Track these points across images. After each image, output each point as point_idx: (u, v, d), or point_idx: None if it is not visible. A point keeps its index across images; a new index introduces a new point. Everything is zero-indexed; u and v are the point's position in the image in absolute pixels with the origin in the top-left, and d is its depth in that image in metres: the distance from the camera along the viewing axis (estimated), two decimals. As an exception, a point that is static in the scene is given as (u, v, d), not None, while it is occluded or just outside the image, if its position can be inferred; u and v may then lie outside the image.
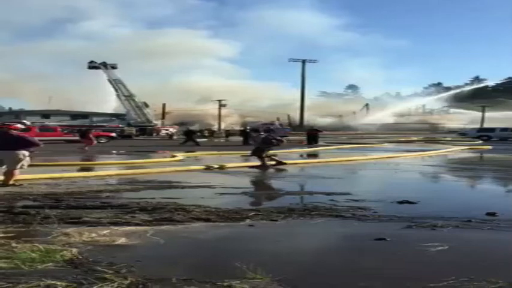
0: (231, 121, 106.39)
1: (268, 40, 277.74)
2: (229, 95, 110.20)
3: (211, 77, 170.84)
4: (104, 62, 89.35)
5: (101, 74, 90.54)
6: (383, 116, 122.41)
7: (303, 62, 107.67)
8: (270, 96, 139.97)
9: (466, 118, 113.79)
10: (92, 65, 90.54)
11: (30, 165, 13.44)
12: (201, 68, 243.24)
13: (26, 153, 12.97)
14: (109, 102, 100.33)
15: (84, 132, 34.52)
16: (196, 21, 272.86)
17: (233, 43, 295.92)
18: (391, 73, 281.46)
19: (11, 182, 12.50)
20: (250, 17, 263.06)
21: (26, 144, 13.21)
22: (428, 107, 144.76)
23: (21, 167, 12.85)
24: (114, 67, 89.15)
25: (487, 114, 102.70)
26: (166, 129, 75.83)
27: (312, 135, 43.14)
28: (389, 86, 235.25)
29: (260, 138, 20.20)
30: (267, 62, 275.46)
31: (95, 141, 33.55)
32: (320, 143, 41.68)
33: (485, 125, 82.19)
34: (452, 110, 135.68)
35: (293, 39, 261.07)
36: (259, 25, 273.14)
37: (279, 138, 21.96)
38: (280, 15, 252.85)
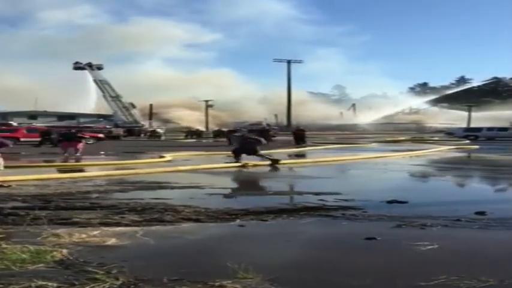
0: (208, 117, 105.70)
1: (240, 31, 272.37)
2: (205, 88, 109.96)
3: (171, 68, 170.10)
4: (90, 63, 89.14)
5: (75, 73, 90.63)
6: (371, 117, 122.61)
7: (288, 62, 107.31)
8: (249, 92, 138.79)
9: (452, 118, 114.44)
10: (77, 66, 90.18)
11: (18, 167, 13.37)
12: (167, 57, 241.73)
13: None
14: (90, 102, 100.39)
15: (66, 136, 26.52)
16: (170, 10, 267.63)
17: (208, 35, 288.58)
18: (375, 73, 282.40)
19: (-3, 184, 12.40)
20: (219, 7, 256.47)
21: None
22: (415, 106, 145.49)
23: None
24: (99, 68, 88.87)
25: (473, 113, 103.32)
26: (157, 131, 75.62)
27: (300, 135, 43.16)
28: (375, 85, 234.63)
29: (239, 138, 21.57)
30: (242, 56, 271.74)
31: (81, 145, 25.10)
32: (308, 143, 41.73)
33: (472, 125, 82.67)
34: (438, 110, 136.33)
35: (265, 32, 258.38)
36: (231, 14, 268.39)
37: (257, 137, 22.72)
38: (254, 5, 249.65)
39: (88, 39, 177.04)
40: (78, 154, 24.17)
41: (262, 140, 22.03)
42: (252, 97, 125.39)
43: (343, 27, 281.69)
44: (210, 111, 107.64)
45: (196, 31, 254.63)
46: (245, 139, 21.33)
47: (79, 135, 25.89)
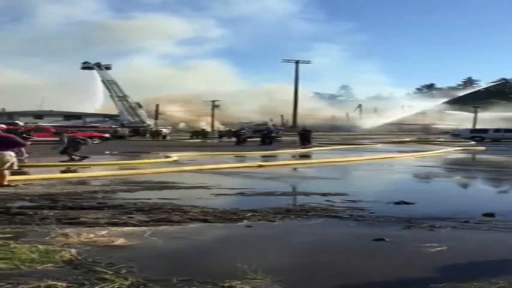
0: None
1: (241, 28, 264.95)
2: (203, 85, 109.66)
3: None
4: (98, 63, 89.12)
5: (82, 73, 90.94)
6: (378, 119, 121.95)
7: (296, 62, 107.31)
8: (249, 89, 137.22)
9: (458, 119, 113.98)
10: (86, 66, 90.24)
11: (25, 166, 13.40)
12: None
13: (12, 153, 12.87)
14: (97, 102, 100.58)
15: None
16: (172, 6, 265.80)
17: (209, 32, 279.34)
18: (380, 73, 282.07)
19: (5, 183, 12.43)
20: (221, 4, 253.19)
21: (12, 144, 13.12)
22: (422, 108, 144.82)
23: (10, 167, 12.76)
24: (108, 68, 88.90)
25: (480, 114, 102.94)
26: (160, 130, 75.52)
27: (305, 136, 43.06)
28: (382, 86, 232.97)
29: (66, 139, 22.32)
30: (242, 53, 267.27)
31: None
32: (313, 143, 41.63)
33: (478, 126, 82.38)
34: (445, 111, 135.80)
35: (265, 29, 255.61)
36: (233, 11, 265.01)
37: (84, 138, 24.42)
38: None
39: (89, 35, 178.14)
40: (23, 156, 22.89)
41: (89, 140, 24.17)
42: (252, 95, 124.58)
43: (346, 26, 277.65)
44: (204, 108, 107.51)
45: (197, 27, 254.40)
46: (73, 139, 22.76)
47: (23, 135, 24.91)
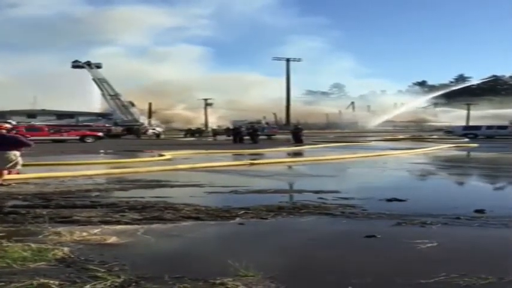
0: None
1: (215, 21, 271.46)
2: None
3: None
4: (88, 62, 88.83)
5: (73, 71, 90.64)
6: (371, 116, 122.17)
7: (287, 60, 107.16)
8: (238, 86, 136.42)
9: (451, 116, 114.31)
10: (76, 65, 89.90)
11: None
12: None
13: (17, 153, 12.93)
14: (90, 101, 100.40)
15: None
16: None
17: (182, 23, 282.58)
18: (372, 70, 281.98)
19: (-1, 182, 12.45)
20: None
21: (17, 144, 13.17)
22: (414, 105, 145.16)
23: (14, 167, 12.81)
24: (98, 66, 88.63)
25: (472, 112, 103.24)
26: (153, 129, 75.47)
27: (297, 134, 43.24)
28: (375, 84, 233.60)
29: None
30: (220, 46, 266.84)
31: None
32: (307, 141, 41.69)
33: (471, 123, 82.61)
34: (437, 108, 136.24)
35: (243, 21, 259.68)
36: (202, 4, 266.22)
37: None
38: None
39: (66, 27, 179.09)
40: None
41: None
42: (229, 88, 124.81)
43: (332, 23, 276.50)
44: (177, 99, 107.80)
45: (174, 20, 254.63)
46: None
47: None
